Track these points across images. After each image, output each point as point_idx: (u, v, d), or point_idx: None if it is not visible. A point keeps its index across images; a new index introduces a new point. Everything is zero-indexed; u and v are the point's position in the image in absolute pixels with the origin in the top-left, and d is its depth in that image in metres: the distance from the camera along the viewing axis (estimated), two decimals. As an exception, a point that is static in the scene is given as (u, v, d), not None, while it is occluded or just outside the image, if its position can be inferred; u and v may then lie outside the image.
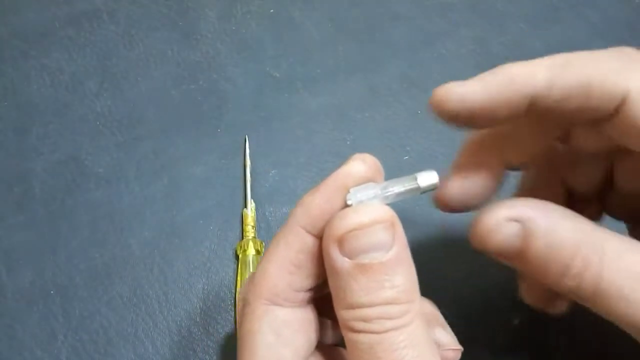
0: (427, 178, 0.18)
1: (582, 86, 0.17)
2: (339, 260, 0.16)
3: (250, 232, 0.31)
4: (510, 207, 0.18)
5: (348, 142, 0.36)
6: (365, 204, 0.17)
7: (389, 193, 0.18)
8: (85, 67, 0.39)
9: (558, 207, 0.19)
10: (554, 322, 0.29)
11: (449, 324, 0.23)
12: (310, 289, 0.19)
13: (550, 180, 0.24)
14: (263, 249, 0.31)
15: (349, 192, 0.17)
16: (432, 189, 0.19)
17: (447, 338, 0.22)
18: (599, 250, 0.17)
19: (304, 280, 0.18)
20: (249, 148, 0.35)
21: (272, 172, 0.35)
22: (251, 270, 0.30)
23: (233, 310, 0.30)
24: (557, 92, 0.18)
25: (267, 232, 0.33)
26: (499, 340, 0.29)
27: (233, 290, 0.31)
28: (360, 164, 0.18)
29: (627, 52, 0.19)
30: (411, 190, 0.18)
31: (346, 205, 0.17)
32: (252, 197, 0.33)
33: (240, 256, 0.31)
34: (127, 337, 0.29)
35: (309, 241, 0.18)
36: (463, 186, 0.21)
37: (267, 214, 0.33)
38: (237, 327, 0.21)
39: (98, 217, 0.33)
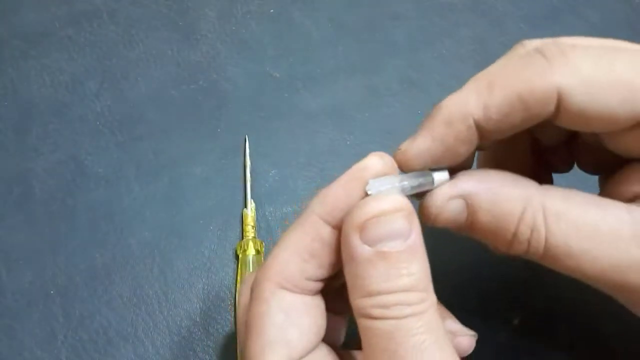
0: (441, 175, 0.20)
1: (515, 101, 0.18)
2: (359, 247, 0.17)
3: (250, 232, 0.31)
4: (452, 184, 0.19)
5: (348, 142, 0.36)
6: (386, 193, 0.18)
7: (406, 185, 0.19)
8: (85, 67, 0.39)
9: (498, 174, 0.19)
10: (555, 322, 0.30)
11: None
12: (320, 280, 0.19)
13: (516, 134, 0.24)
14: (263, 249, 0.31)
15: (367, 183, 0.18)
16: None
17: (459, 327, 0.22)
18: (542, 213, 0.18)
19: (316, 269, 0.19)
20: (249, 148, 0.35)
21: (272, 172, 0.35)
22: (251, 270, 0.30)
23: (233, 309, 0.30)
24: (494, 115, 0.18)
25: (267, 232, 0.33)
26: (500, 340, 0.29)
27: (233, 290, 0.31)
28: (378, 159, 0.19)
29: (541, 48, 0.18)
30: (426, 184, 0.19)
31: (366, 195, 0.18)
32: (252, 197, 0.33)
33: (240, 256, 0.31)
34: (127, 337, 0.29)
35: (326, 231, 0.18)
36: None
37: (267, 214, 0.33)
38: (238, 317, 0.21)
39: (98, 217, 0.33)
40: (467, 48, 0.41)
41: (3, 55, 0.40)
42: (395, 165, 0.19)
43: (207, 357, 0.29)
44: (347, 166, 0.37)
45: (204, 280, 0.31)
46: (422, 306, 0.17)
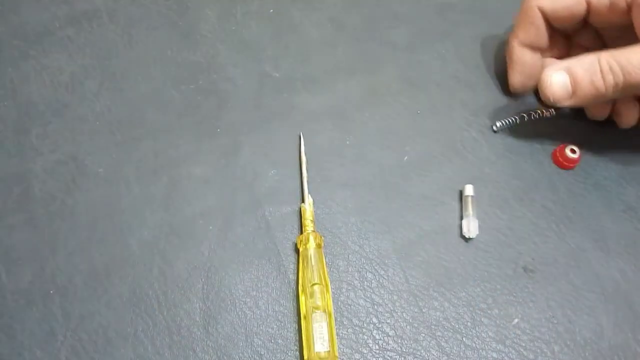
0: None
1: (530, 15, 0.35)
2: None
3: (309, 226, 0.32)
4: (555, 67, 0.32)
5: (348, 142, 0.36)
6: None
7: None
8: (85, 67, 0.39)
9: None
10: (553, 322, 0.30)
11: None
12: None
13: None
14: (322, 243, 0.31)
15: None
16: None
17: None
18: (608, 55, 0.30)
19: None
20: (250, 148, 0.35)
21: (272, 172, 0.35)
22: (312, 263, 0.30)
23: (296, 300, 0.30)
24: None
25: (267, 232, 0.33)
26: (499, 337, 0.29)
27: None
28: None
29: None
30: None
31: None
32: (252, 198, 0.33)
33: (301, 250, 0.31)
34: (126, 337, 0.29)
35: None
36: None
37: (267, 213, 0.33)
38: None
39: (98, 217, 0.33)
40: (467, 48, 0.41)
41: (3, 55, 0.40)
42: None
43: (207, 357, 0.29)
44: (347, 166, 0.37)
45: (203, 280, 0.31)
46: None
